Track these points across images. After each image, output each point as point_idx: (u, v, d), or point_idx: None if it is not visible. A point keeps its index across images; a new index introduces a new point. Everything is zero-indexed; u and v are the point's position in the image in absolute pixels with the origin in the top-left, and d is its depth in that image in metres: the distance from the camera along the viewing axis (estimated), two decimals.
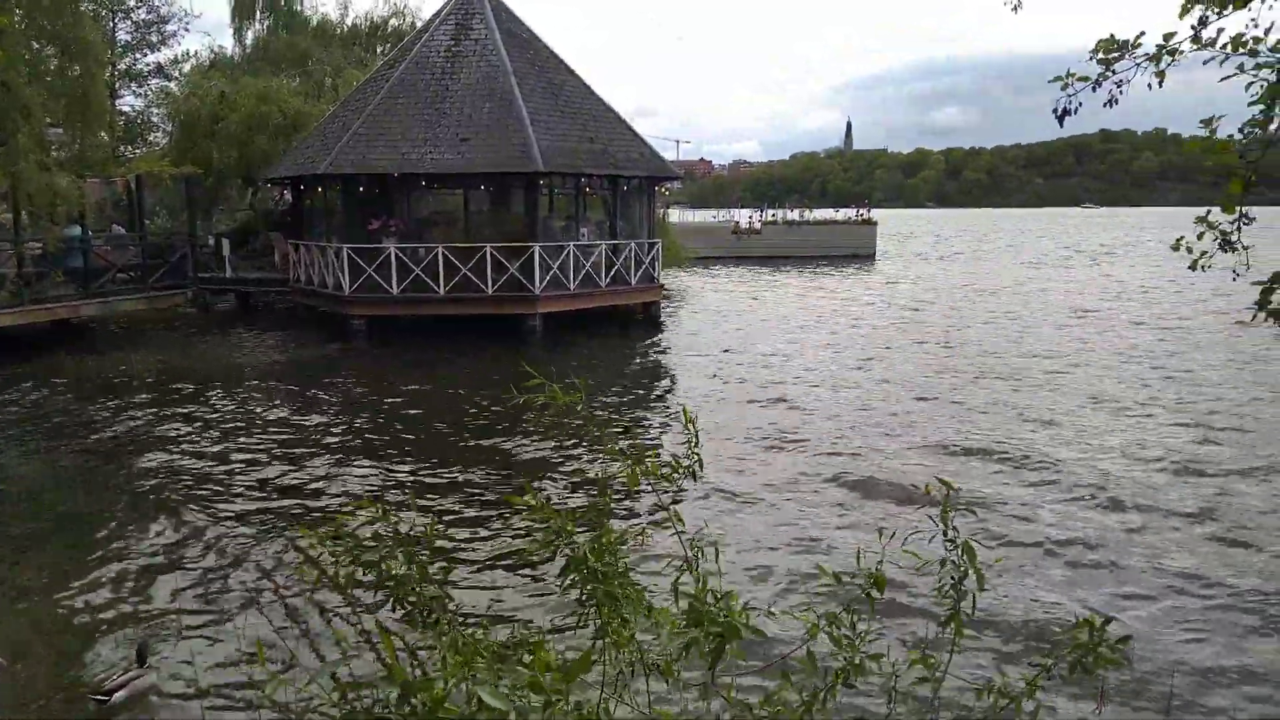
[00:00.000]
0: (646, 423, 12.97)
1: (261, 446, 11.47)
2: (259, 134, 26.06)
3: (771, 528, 8.54)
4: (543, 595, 7.03)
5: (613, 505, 2.61)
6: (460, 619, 2.64)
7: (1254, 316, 3.46)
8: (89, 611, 6.88)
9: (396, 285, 19.45)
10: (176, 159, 26.62)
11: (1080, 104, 3.60)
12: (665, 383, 16.07)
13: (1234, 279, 3.81)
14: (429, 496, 9.44)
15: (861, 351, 18.46)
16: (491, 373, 16.89)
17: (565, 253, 20.12)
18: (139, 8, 33.52)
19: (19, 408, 13.67)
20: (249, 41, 35.64)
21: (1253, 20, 3.36)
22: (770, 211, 54.43)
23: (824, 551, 7.85)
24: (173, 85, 34.69)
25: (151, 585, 7.35)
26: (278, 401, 14.31)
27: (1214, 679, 5.82)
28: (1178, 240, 3.95)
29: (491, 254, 19.38)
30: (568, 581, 2.28)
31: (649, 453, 2.57)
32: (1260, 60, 3.50)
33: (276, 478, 10.19)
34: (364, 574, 2.47)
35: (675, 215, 49.52)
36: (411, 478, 10.20)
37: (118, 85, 33.26)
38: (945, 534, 2.65)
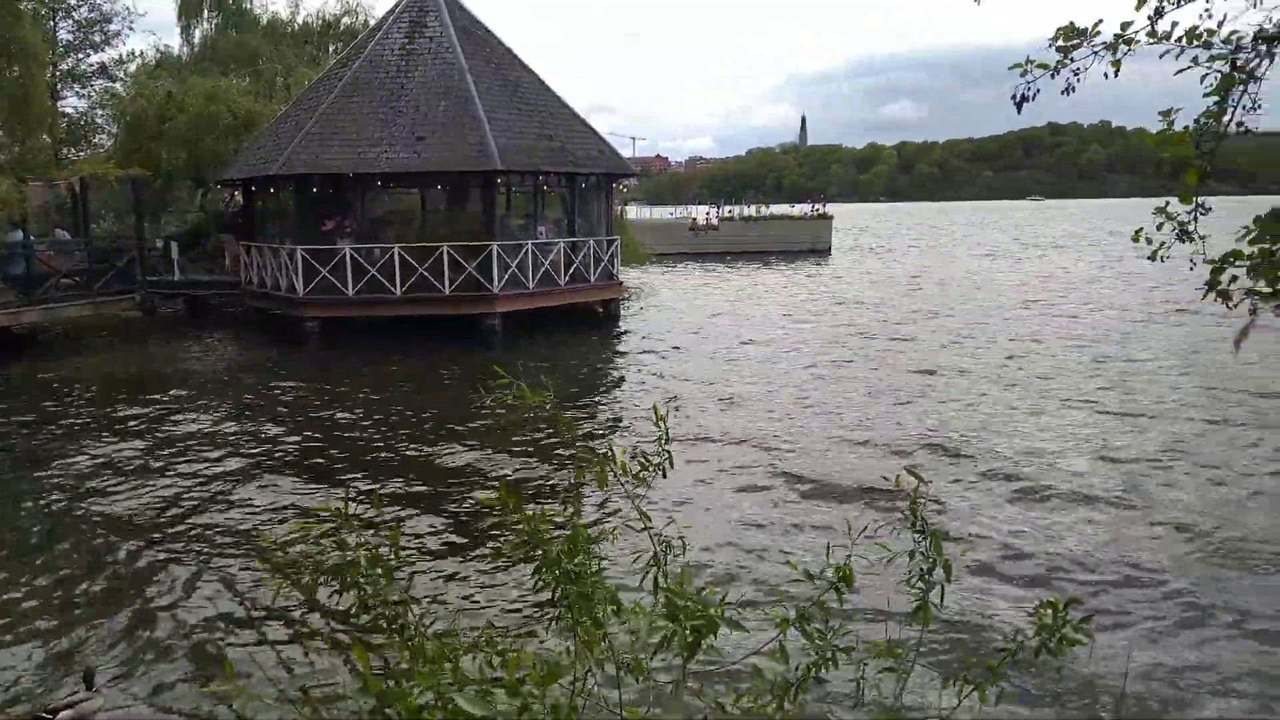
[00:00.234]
0: (610, 421, 12.93)
1: (209, 455, 11.17)
2: (208, 134, 25.54)
3: (734, 525, 8.55)
4: (510, 595, 6.97)
5: (581, 504, 2.57)
6: (427, 624, 2.59)
7: (1238, 339, 3.51)
8: (24, 633, 6.63)
9: (351, 286, 19.17)
10: (123, 161, 25.96)
11: (1039, 90, 3.64)
12: (626, 381, 16.05)
13: (1191, 268, 3.88)
14: (389, 501, 9.31)
15: (818, 347, 18.60)
16: (450, 374, 16.73)
17: (524, 251, 19.98)
18: (80, 6, 32.60)
19: None
20: (197, 40, 34.89)
21: (1207, 12, 3.41)
22: (727, 208, 54.65)
23: (790, 549, 7.87)
24: (118, 86, 33.82)
25: (96, 605, 7.14)
26: (227, 408, 13.98)
27: (1150, 674, 5.92)
28: (1137, 231, 4.00)
29: (449, 253, 19.18)
30: (540, 583, 2.25)
31: (620, 450, 2.53)
32: (1213, 52, 3.56)
33: (226, 490, 9.89)
34: (328, 582, 2.41)
35: (633, 212, 49.51)
36: (370, 483, 10.05)
37: (60, 86, 32.32)
38: (914, 526, 2.66)
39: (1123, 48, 3.50)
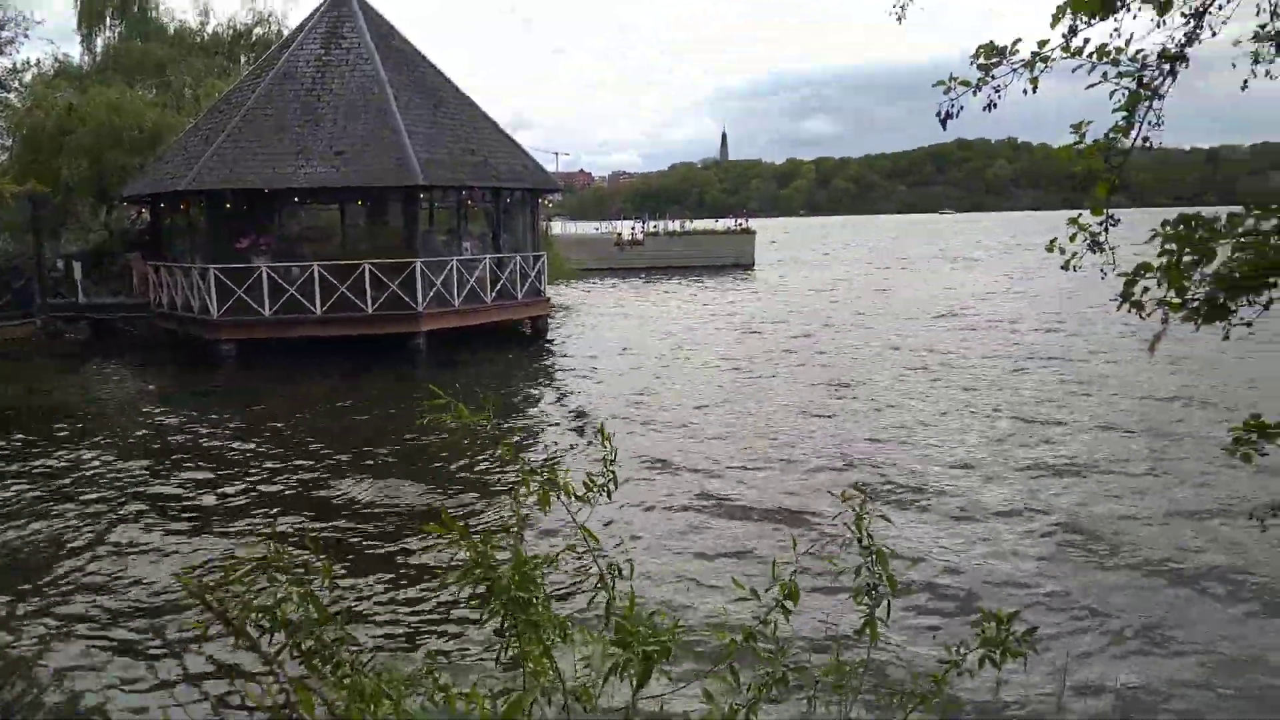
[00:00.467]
0: (541, 441, 12.79)
1: (97, 494, 10.47)
2: (113, 148, 24.53)
3: (669, 547, 8.47)
4: (450, 623, 6.79)
5: (524, 529, 2.49)
6: (365, 659, 2.47)
7: (1152, 346, 3.62)
8: None
9: (269, 306, 18.59)
10: (19, 176, 24.65)
11: (962, 108, 3.73)
12: (556, 400, 15.91)
13: (1102, 277, 4.00)
14: (319, 532, 8.99)
15: (746, 362, 18.77)
16: (374, 395, 16.32)
17: (448, 268, 19.69)
18: None
19: None
20: (98, 49, 33.47)
21: (1116, 30, 3.55)
22: (652, 223, 54.97)
23: (730, 570, 7.78)
24: (12, 96, 32.22)
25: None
26: (136, 437, 13.26)
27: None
28: (1051, 241, 4.12)
29: (370, 271, 18.77)
30: (488, 612, 2.16)
31: (562, 471, 2.47)
32: (1121, 69, 3.70)
33: (104, 532, 9.28)
34: (258, 619, 2.28)
35: (558, 227, 49.42)
36: (295, 515, 9.69)
37: None
38: (860, 541, 2.67)
39: (1040, 65, 3.62)
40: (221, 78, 29.66)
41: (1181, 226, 3.36)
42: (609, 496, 2.52)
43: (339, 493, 10.28)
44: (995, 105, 3.72)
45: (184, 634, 6.35)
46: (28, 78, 33.04)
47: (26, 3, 56.50)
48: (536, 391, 16.91)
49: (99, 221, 28.11)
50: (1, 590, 7.67)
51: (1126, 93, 3.71)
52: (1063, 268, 4.05)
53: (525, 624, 2.15)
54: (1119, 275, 3.75)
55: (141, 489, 10.61)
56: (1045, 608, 6.89)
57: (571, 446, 12.15)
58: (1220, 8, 3.71)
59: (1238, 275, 3.19)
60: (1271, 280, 3.16)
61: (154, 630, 6.74)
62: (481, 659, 5.63)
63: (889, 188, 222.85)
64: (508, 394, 16.31)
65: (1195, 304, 3.21)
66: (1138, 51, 3.69)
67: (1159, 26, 3.81)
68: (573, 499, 2.47)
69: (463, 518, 9.19)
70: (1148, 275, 3.54)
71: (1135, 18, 3.59)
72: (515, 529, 2.39)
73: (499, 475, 10.57)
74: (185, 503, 10.10)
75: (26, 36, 30.05)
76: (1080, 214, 3.95)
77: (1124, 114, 3.73)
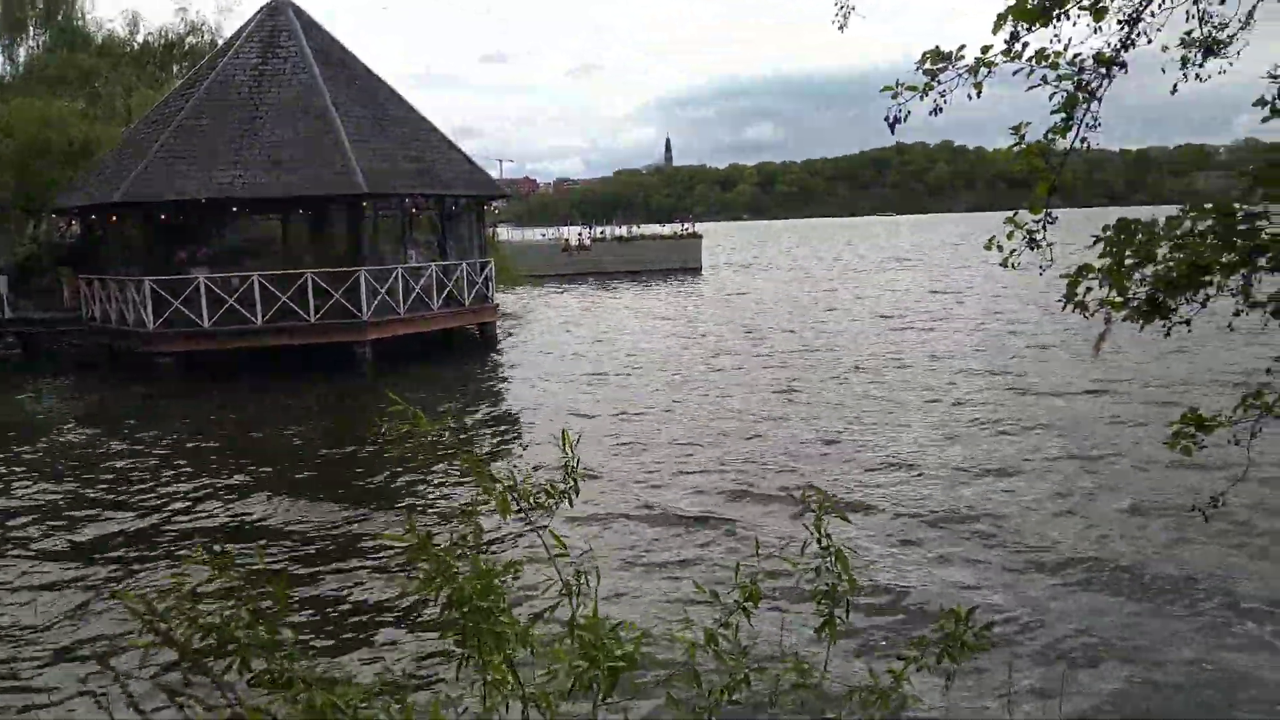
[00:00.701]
0: (491, 447, 12.67)
1: (51, 509, 10.23)
2: (40, 160, 23.71)
3: (632, 549, 8.46)
4: (405, 632, 6.67)
5: (482, 537, 2.45)
6: (316, 676, 2.40)
7: (1097, 345, 3.70)
8: None
9: (208, 318, 18.13)
10: None
11: (909, 112, 3.78)
12: (506, 406, 15.79)
13: (1040, 273, 4.09)
14: (265, 547, 8.77)
15: (693, 366, 18.84)
16: (316, 405, 16.02)
17: (393, 276, 19.42)
18: None
19: None
20: (21, 59, 32.46)
21: (1055, 36, 3.64)
22: (599, 229, 54.97)
23: (688, 574, 7.79)
24: None
25: None
26: (71, 459, 12.75)
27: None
28: (990, 239, 4.20)
29: (313, 280, 18.42)
30: (450, 620, 2.12)
31: (525, 477, 2.44)
32: (1060, 73, 3.79)
33: (73, 545, 9.08)
34: (204, 638, 2.20)
35: (504, 234, 49.11)
36: (237, 527, 9.45)
37: None
38: (819, 542, 2.68)
39: (983, 70, 3.69)
40: (154, 87, 28.90)
41: (1123, 232, 3.45)
42: (570, 503, 2.50)
43: (278, 510, 9.99)
44: (941, 110, 3.78)
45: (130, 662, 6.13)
46: None
47: None
48: (483, 397, 16.77)
49: (26, 235, 27.13)
50: None
51: (1065, 95, 3.82)
52: (1001, 265, 4.13)
53: (488, 634, 2.11)
54: (1062, 276, 3.84)
55: (64, 520, 10.11)
56: (985, 609, 7.01)
57: (525, 452, 12.06)
58: (1153, 15, 3.83)
59: (1175, 275, 3.29)
60: (1206, 279, 3.26)
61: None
62: (438, 673, 5.53)
63: (831, 190, 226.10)
64: (453, 400, 16.13)
65: (1136, 303, 3.30)
66: (1076, 55, 3.80)
67: (1096, 32, 3.92)
68: (534, 506, 2.44)
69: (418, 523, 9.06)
70: (1090, 276, 3.64)
71: (1074, 24, 3.68)
72: (473, 536, 2.35)
73: (455, 486, 10.44)
74: (110, 529, 9.64)
75: None
76: (1017, 212, 4.04)
77: (1062, 115, 3.84)
